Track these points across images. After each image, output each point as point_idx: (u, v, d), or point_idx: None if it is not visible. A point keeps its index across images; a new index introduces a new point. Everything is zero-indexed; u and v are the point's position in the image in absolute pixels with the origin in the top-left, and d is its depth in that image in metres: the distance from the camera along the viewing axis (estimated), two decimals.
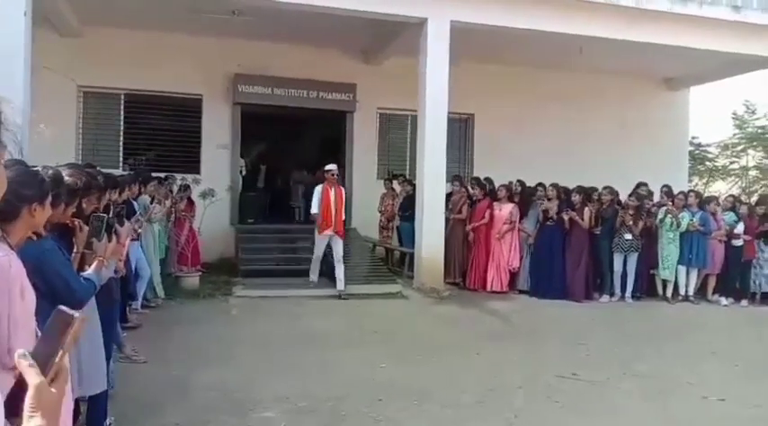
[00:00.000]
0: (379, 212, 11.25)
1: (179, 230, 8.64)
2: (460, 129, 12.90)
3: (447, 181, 9.65)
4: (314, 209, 8.58)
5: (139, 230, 6.37)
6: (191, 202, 9.30)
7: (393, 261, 10.95)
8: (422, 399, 4.62)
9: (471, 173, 11.73)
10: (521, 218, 9.46)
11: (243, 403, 4.37)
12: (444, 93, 9.20)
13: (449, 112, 9.45)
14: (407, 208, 10.39)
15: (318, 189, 8.61)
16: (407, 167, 12.08)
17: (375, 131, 12.45)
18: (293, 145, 15.25)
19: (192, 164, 11.17)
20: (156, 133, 11.23)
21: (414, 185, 10.28)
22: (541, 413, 4.45)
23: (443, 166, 9.31)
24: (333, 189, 8.52)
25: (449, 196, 9.72)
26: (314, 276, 8.73)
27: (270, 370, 5.18)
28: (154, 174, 8.22)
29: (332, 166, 8.76)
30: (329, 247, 8.58)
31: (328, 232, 8.46)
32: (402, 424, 4.14)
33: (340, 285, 8.51)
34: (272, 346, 5.97)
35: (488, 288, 9.21)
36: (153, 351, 5.42)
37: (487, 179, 10.08)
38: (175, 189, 8.96)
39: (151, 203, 7.15)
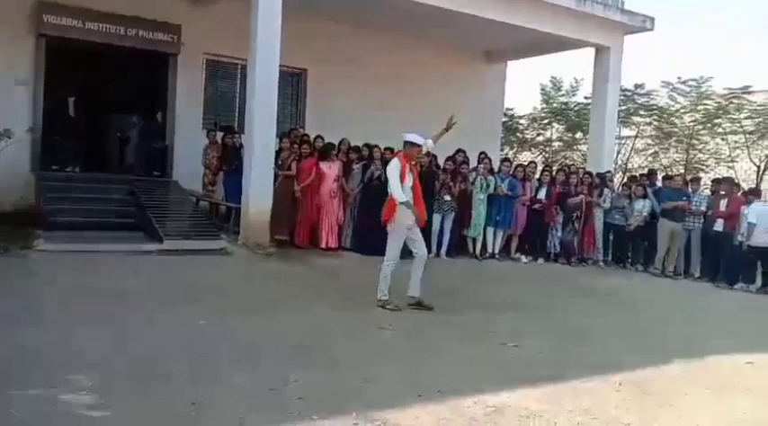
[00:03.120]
0: (204, 165, 10.76)
1: None
2: (293, 84, 12.71)
3: (277, 136, 9.50)
4: (402, 197, 6.38)
5: None
6: None
7: (219, 216, 10.61)
8: (243, 354, 4.60)
9: (304, 129, 11.61)
10: (345, 176, 9.64)
11: (49, 367, 4.00)
12: (276, 43, 8.96)
13: (281, 65, 9.25)
14: (233, 160, 10.10)
15: (396, 165, 6.46)
16: (236, 119, 11.66)
17: (201, 78, 11.79)
18: (108, 87, 13.93)
19: None
20: None
21: (234, 137, 10.15)
22: (359, 358, 4.71)
23: (274, 120, 9.13)
24: (408, 165, 6.55)
25: (278, 152, 9.57)
26: (387, 290, 6.46)
27: (80, 331, 4.79)
28: None
29: (418, 139, 6.58)
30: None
31: (410, 221, 6.49)
32: (222, 380, 4.07)
33: (414, 290, 6.48)
34: (82, 304, 5.53)
35: (323, 245, 9.29)
36: None
37: (319, 136, 10.08)
38: None
39: None
